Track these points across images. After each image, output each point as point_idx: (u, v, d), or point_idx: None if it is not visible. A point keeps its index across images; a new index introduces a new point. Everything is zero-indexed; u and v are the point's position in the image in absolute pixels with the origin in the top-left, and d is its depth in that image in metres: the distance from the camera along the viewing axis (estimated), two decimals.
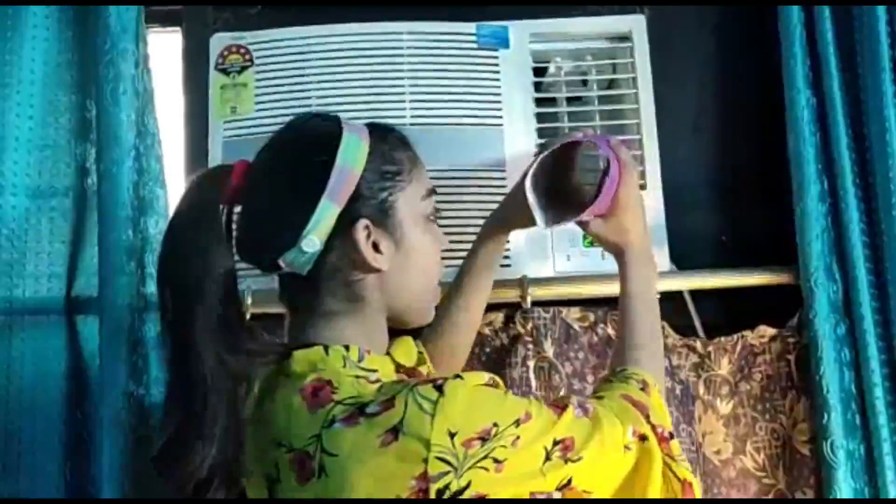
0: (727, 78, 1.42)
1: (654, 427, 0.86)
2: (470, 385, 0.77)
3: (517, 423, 0.76)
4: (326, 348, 0.82)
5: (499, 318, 1.28)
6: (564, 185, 1.08)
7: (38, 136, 1.21)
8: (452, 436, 0.73)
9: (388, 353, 0.90)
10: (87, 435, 1.21)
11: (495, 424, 0.75)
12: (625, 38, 1.38)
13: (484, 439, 0.74)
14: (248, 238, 0.87)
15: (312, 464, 0.76)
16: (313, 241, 0.82)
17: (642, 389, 0.90)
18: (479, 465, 0.74)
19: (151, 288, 1.22)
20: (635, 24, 1.38)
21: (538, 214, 1.01)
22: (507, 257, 1.29)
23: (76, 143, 1.25)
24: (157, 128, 1.25)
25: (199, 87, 1.35)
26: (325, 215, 0.82)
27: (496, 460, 0.74)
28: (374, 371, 0.83)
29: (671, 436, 0.87)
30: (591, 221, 1.04)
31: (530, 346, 1.25)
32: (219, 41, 1.35)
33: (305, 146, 0.86)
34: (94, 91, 1.22)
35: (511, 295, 1.26)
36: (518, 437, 0.76)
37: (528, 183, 1.01)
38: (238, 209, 0.88)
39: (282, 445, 0.79)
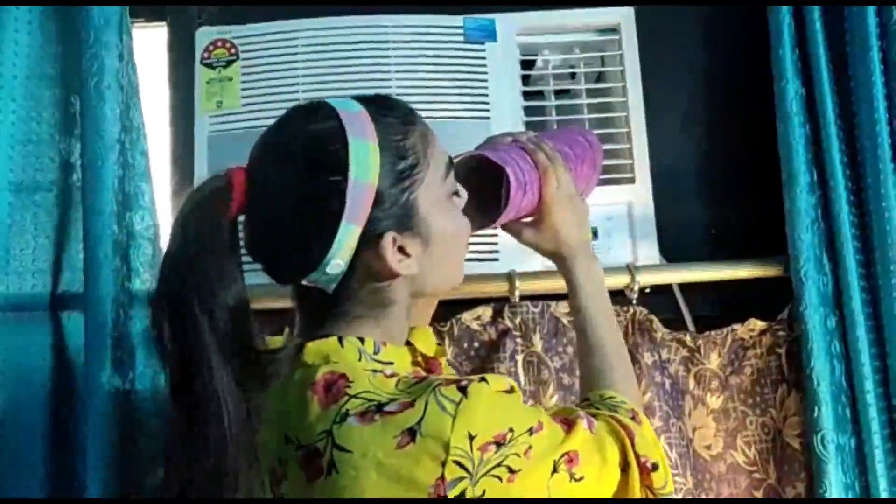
0: (716, 70, 1.42)
1: (637, 456, 0.83)
2: (493, 389, 0.75)
3: (531, 431, 0.75)
4: (341, 339, 0.79)
5: (487, 312, 1.27)
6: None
7: (21, 130, 1.19)
8: (471, 439, 0.71)
9: (408, 343, 0.87)
10: (72, 431, 1.20)
11: (511, 430, 0.73)
12: (613, 30, 1.38)
13: (499, 444, 0.73)
14: (264, 259, 0.82)
15: (321, 461, 0.72)
16: (338, 263, 0.78)
17: (633, 419, 0.87)
18: (492, 472, 0.72)
19: (137, 283, 1.21)
20: (624, 16, 1.37)
21: None
22: (495, 252, 1.28)
23: (60, 137, 1.24)
24: (142, 122, 1.24)
25: (185, 81, 1.35)
26: (347, 238, 0.77)
27: (510, 469, 0.73)
28: (391, 363, 0.80)
29: (654, 467, 0.84)
30: (523, 232, 1.00)
31: (519, 340, 1.25)
32: (204, 35, 1.34)
33: (313, 162, 0.78)
34: (77, 85, 1.21)
35: (499, 289, 1.25)
36: (530, 447, 0.74)
37: None
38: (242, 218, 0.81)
39: (290, 441, 0.76)
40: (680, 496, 1.21)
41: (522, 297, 1.25)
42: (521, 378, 1.22)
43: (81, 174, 1.20)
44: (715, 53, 1.42)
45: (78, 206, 1.22)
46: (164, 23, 1.41)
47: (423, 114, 1.28)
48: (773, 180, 1.27)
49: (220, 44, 1.33)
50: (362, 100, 0.83)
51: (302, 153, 0.79)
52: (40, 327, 1.21)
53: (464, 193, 0.89)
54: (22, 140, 1.20)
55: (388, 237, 0.79)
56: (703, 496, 1.24)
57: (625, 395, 0.91)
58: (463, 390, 0.73)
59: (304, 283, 0.80)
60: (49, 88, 1.23)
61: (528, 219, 1.01)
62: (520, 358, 1.24)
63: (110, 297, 1.16)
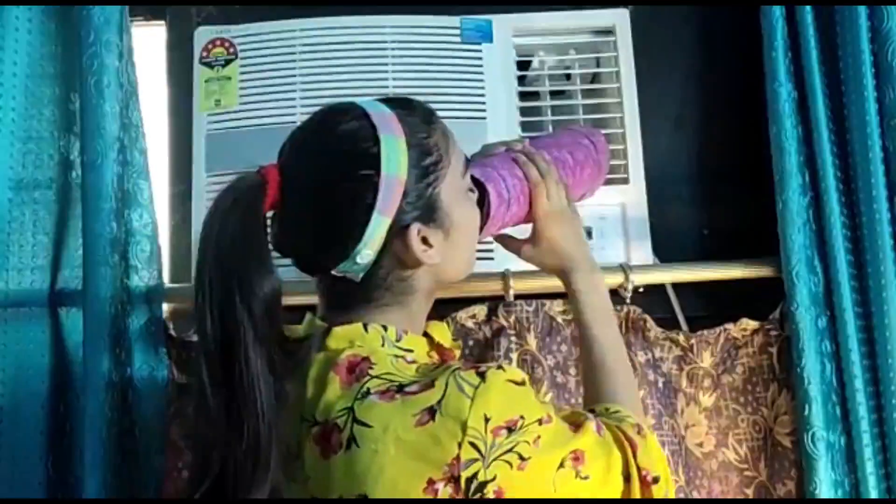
0: (710, 72, 1.43)
1: (639, 469, 0.85)
2: (508, 377, 0.78)
3: (540, 421, 0.77)
4: (366, 326, 0.83)
5: (482, 311, 1.28)
6: None
7: (22, 128, 1.21)
8: (486, 421, 0.74)
9: (425, 333, 0.90)
10: (70, 427, 1.21)
11: (522, 417, 0.76)
12: (608, 32, 1.39)
13: (510, 429, 0.75)
14: (296, 252, 0.86)
15: (341, 436, 0.75)
16: (367, 254, 0.82)
17: (638, 433, 0.88)
18: (503, 457, 0.74)
19: (135, 280, 1.23)
20: (619, 18, 1.38)
21: None
22: (489, 251, 1.29)
23: (60, 135, 1.25)
24: (140, 120, 1.25)
25: (184, 80, 1.36)
26: (378, 229, 0.81)
27: (521, 457, 0.75)
28: (411, 351, 0.84)
29: (655, 480, 0.86)
30: (522, 249, 1.03)
31: (513, 338, 1.26)
32: (203, 34, 1.35)
33: (346, 158, 0.82)
34: (77, 83, 1.22)
35: (494, 288, 1.26)
36: (539, 437, 0.77)
37: None
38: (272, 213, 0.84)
39: (305, 420, 0.78)
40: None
41: (517, 296, 1.26)
42: None
43: (81, 172, 1.21)
44: (709, 56, 1.43)
45: (77, 203, 1.23)
46: (163, 22, 1.42)
47: None
48: (766, 182, 1.28)
49: (218, 43, 1.34)
50: (386, 101, 0.87)
51: (336, 150, 0.83)
52: (39, 323, 1.23)
53: (475, 189, 0.93)
54: (22, 137, 1.21)
55: (414, 228, 0.83)
56: (694, 493, 1.25)
57: (630, 410, 0.93)
58: (482, 375, 0.76)
59: (333, 272, 0.84)
60: (49, 86, 1.25)
61: (524, 225, 1.02)
62: (514, 356, 1.24)
63: (109, 294, 1.17)
